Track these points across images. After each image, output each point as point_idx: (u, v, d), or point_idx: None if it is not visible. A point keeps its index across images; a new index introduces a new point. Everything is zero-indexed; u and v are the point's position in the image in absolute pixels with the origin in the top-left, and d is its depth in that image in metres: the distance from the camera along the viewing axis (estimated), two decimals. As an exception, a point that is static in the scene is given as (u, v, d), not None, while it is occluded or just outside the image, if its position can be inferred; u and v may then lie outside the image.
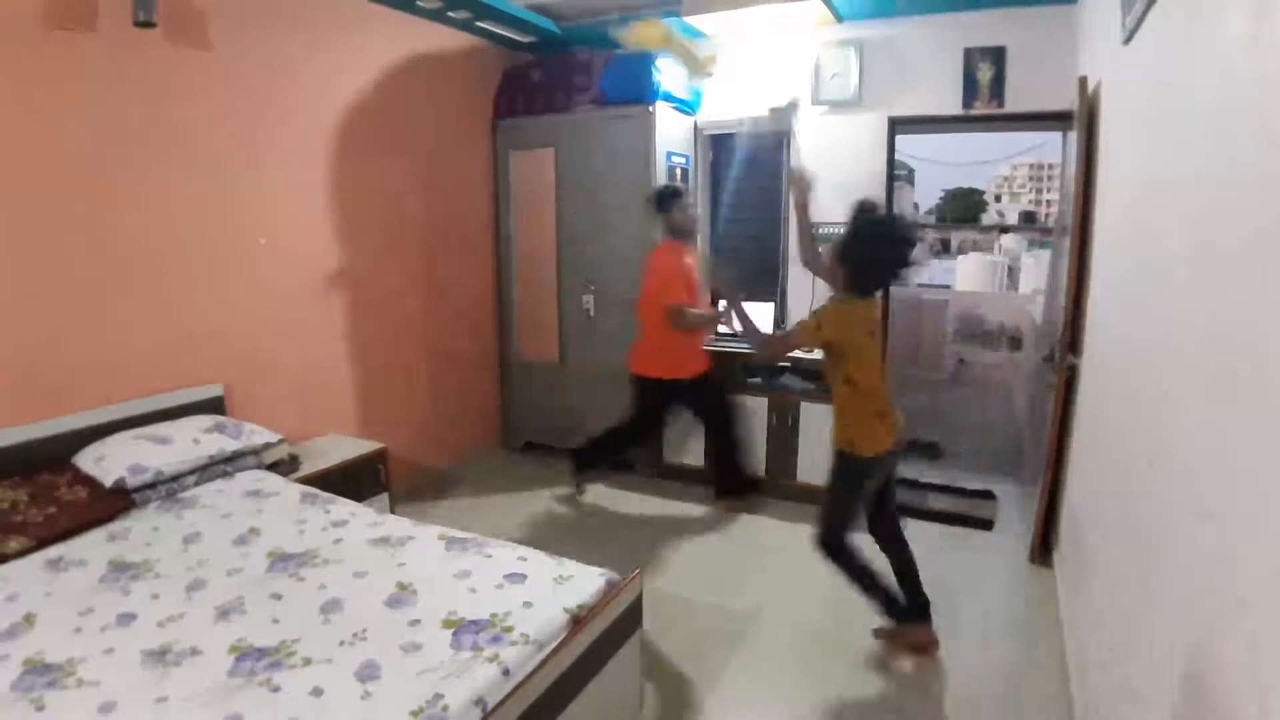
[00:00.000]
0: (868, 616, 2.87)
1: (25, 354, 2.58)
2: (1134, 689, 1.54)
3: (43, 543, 2.23)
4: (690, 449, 4.26)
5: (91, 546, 2.25)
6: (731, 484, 4.02)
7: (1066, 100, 3.35)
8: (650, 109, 4.03)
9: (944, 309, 6.81)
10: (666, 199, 3.67)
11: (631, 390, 3.85)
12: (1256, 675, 0.90)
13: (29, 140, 2.55)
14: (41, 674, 1.64)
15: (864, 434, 2.41)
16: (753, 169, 4.64)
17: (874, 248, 2.28)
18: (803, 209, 2.82)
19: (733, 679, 2.52)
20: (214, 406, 3.12)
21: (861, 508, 2.57)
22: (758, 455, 4.07)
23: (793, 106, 2.96)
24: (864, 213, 2.31)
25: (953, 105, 3.96)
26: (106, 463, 2.55)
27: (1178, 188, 1.53)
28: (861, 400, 2.39)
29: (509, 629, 1.82)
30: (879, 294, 2.45)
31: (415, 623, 1.85)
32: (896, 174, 4.40)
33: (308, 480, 3.02)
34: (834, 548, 2.53)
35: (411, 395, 4.30)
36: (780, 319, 4.46)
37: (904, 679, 2.53)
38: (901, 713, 2.37)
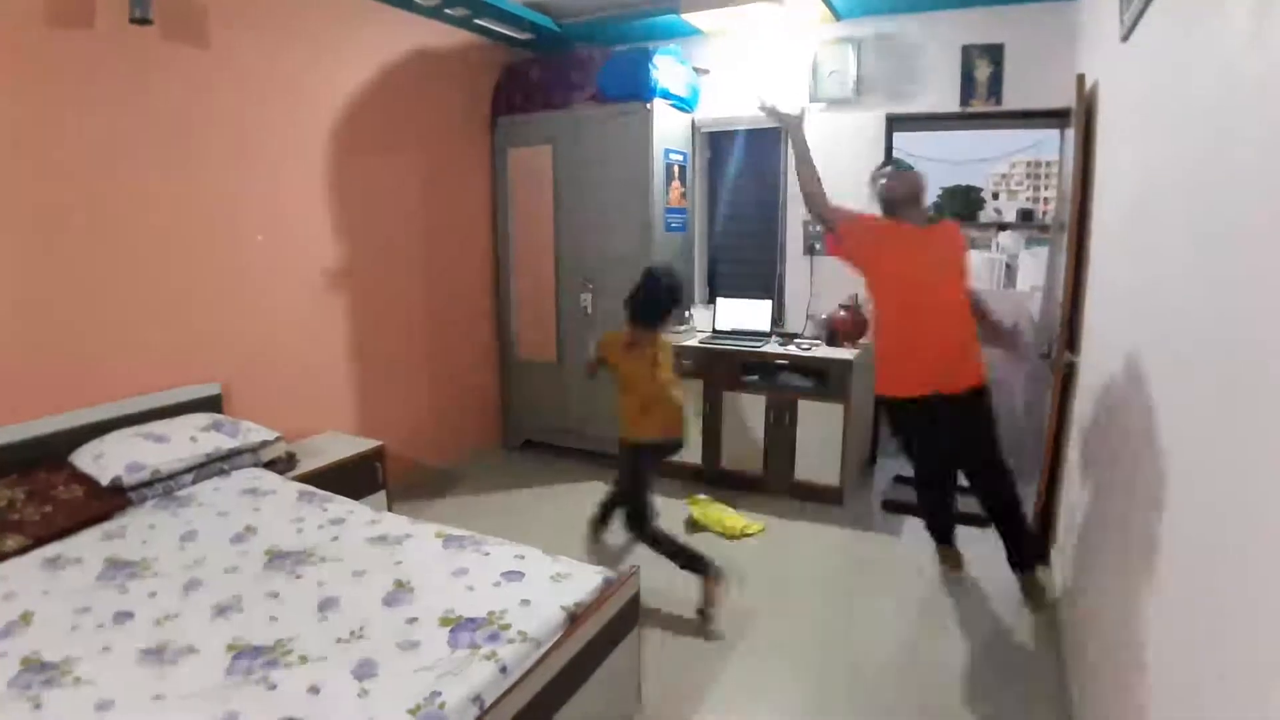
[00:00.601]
0: (865, 615, 2.88)
1: (22, 352, 2.58)
2: (1132, 691, 1.54)
3: (39, 541, 2.22)
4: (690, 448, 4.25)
5: (88, 545, 2.24)
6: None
7: (1064, 98, 3.34)
8: (648, 106, 4.03)
9: (942, 306, 6.80)
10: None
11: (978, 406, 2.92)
12: (1256, 675, 0.90)
13: (26, 138, 2.54)
14: (38, 672, 1.64)
15: (634, 425, 2.91)
16: (750, 166, 4.64)
17: (648, 293, 2.85)
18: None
19: (730, 677, 2.52)
20: (211, 404, 3.12)
21: (650, 482, 3.01)
22: (756, 453, 4.07)
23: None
24: (649, 273, 2.88)
25: (951, 103, 3.96)
26: (103, 461, 2.55)
27: (1176, 185, 1.53)
28: (630, 399, 2.90)
29: (506, 627, 1.82)
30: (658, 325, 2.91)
31: (413, 620, 1.85)
32: (895, 171, 4.39)
33: (305, 478, 3.01)
34: (640, 522, 2.92)
35: (409, 393, 4.30)
36: (778, 316, 4.46)
37: (901, 678, 2.53)
38: (898, 712, 2.37)
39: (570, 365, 4.55)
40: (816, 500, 3.92)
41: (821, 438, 3.87)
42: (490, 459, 4.73)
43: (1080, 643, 2.27)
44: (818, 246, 4.35)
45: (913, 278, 2.80)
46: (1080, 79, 2.95)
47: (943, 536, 3.25)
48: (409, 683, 1.61)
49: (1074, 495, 2.74)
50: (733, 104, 4.44)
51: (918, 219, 2.84)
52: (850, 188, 4.22)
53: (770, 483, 4.05)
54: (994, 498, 2.92)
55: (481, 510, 3.91)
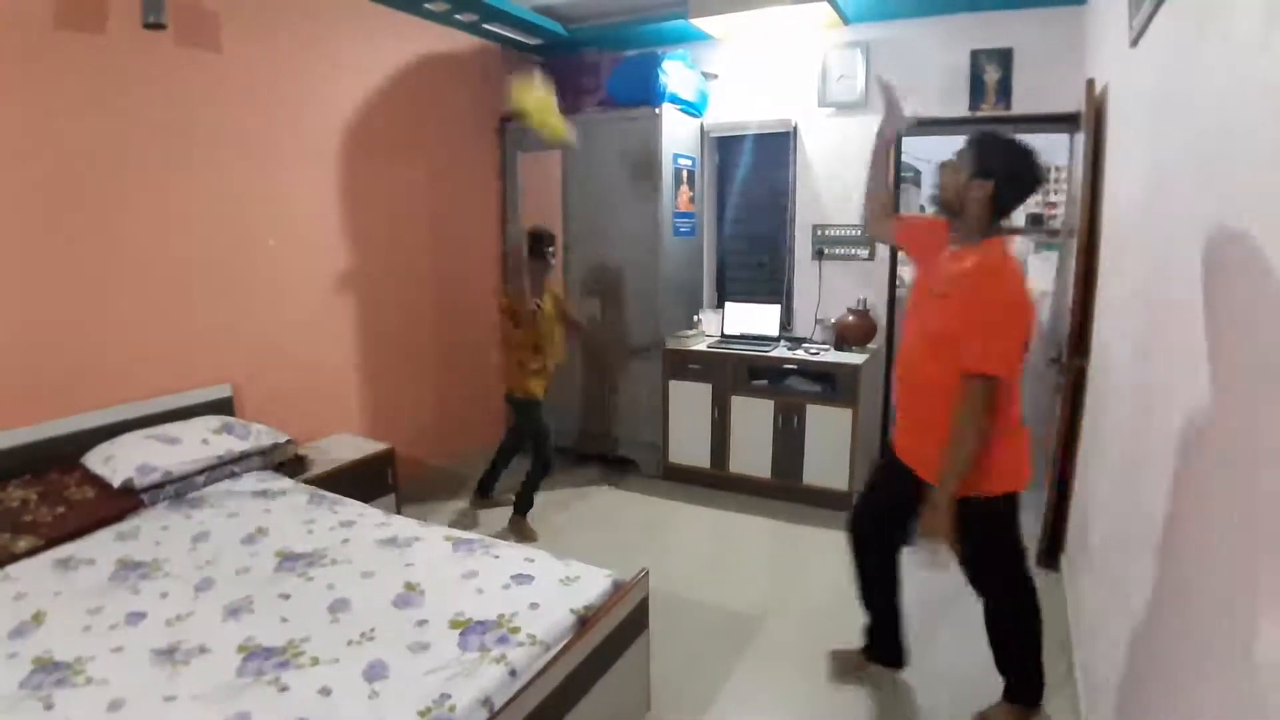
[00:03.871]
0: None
1: (35, 354, 2.60)
2: (1141, 697, 1.53)
3: (52, 542, 2.24)
4: (695, 450, 4.25)
5: (100, 546, 2.26)
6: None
7: (1074, 102, 3.34)
8: (657, 111, 4.03)
9: (950, 311, 6.78)
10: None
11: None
12: (1258, 677, 0.90)
13: (39, 141, 2.56)
14: (50, 672, 1.65)
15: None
16: (759, 171, 4.65)
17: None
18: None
19: (739, 680, 2.52)
20: (222, 407, 3.14)
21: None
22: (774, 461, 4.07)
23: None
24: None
25: (959, 107, 3.95)
26: (115, 463, 2.56)
27: (1186, 190, 1.53)
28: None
29: (516, 630, 1.83)
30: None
31: (423, 623, 1.86)
32: (903, 176, 4.40)
33: (315, 481, 3.03)
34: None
35: (419, 396, 4.31)
36: (786, 321, 4.45)
37: (908, 682, 2.52)
38: (905, 716, 2.36)
39: (578, 368, 4.56)
40: (824, 505, 3.91)
41: (830, 442, 3.86)
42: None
43: (1089, 648, 2.26)
44: (825, 251, 4.35)
45: None
46: (1090, 84, 2.95)
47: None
48: (419, 685, 1.61)
49: (1085, 500, 2.73)
50: (742, 108, 4.45)
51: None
52: (860, 193, 4.23)
53: (778, 487, 4.04)
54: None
55: (490, 513, 3.92)
